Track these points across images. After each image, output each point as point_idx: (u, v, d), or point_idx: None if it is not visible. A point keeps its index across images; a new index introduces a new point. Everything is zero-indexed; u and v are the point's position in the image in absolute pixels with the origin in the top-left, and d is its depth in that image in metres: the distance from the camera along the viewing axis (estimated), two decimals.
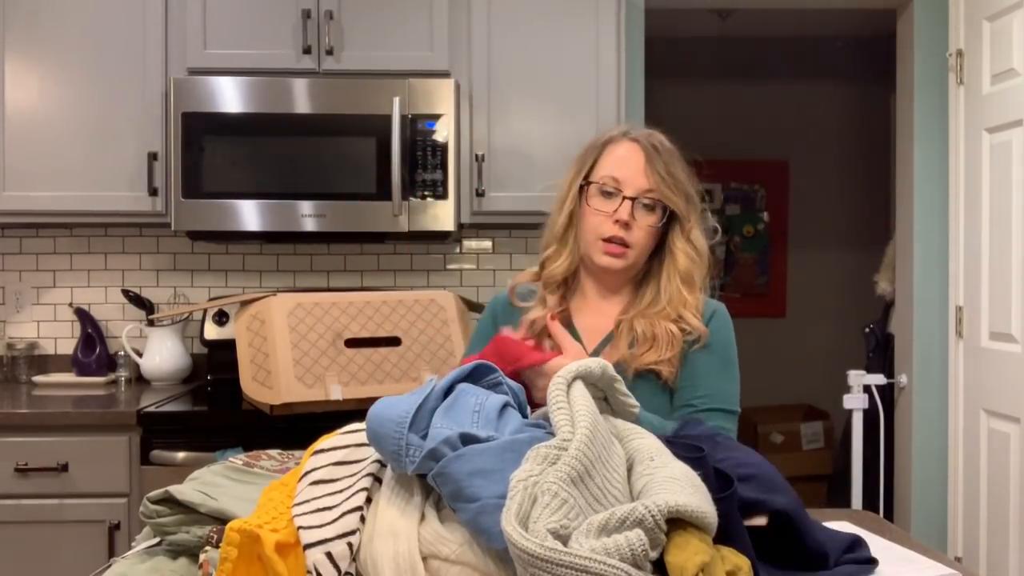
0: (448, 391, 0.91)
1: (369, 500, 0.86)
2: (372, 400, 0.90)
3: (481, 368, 0.96)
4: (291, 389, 2.14)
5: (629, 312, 1.49)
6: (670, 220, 1.48)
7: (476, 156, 2.64)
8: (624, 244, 1.46)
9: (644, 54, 3.01)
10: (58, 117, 2.61)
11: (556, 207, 1.55)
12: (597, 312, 1.53)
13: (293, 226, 2.54)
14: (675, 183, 1.45)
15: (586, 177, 1.51)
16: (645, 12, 3.01)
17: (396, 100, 2.50)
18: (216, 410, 2.46)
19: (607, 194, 1.47)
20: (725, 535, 0.78)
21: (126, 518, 2.29)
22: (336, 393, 2.17)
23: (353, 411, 2.07)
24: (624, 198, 1.45)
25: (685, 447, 0.85)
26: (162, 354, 2.80)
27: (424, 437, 0.84)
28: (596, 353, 1.49)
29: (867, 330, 3.78)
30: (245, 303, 2.29)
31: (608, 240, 1.46)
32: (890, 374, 3.27)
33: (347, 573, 0.80)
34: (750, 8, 3.81)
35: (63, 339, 2.97)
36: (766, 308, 4.90)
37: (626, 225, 1.45)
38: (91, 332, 2.87)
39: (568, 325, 1.51)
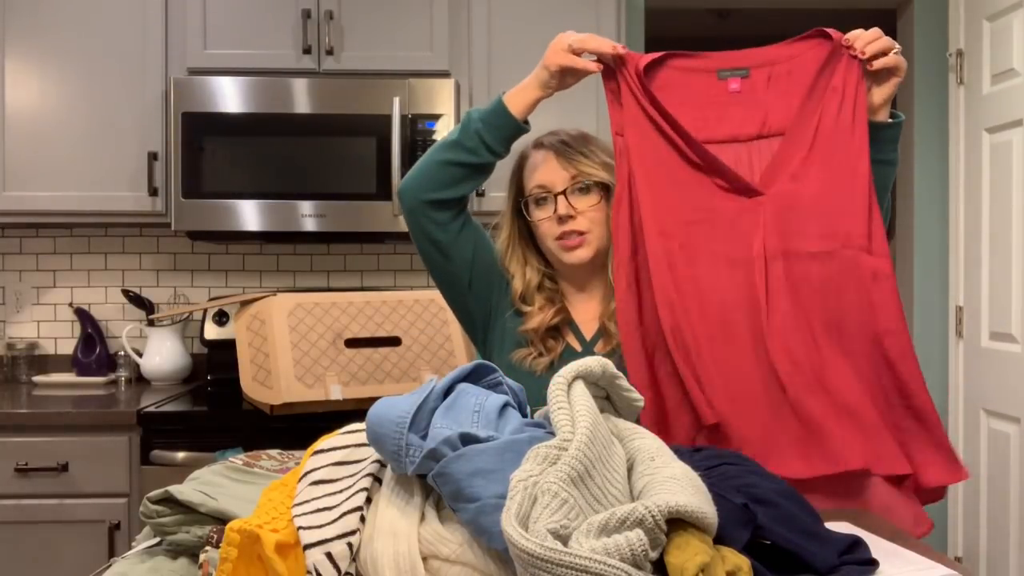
0: (448, 391, 0.91)
1: (369, 500, 0.86)
2: (372, 400, 0.90)
3: (481, 368, 0.96)
4: (291, 389, 2.14)
5: (608, 308, 1.51)
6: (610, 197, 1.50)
7: None
8: (579, 233, 1.48)
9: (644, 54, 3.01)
10: (58, 117, 2.61)
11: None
12: (583, 308, 1.56)
13: (293, 226, 2.54)
14: (594, 157, 1.50)
15: (519, 196, 1.57)
16: (645, 12, 3.01)
17: (396, 100, 2.50)
18: (216, 410, 2.46)
19: (541, 201, 1.52)
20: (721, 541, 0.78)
21: (126, 518, 2.29)
22: (336, 393, 2.17)
23: (353, 411, 2.08)
24: (555, 195, 1.49)
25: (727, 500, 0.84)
26: (162, 354, 2.80)
27: (424, 437, 0.84)
28: (592, 343, 1.52)
29: None
30: (245, 303, 2.29)
31: (561, 238, 1.49)
32: None
33: (347, 573, 0.80)
34: (750, 8, 3.81)
35: (63, 339, 2.97)
36: None
37: (570, 218, 1.48)
38: (91, 332, 2.87)
39: (568, 322, 1.53)
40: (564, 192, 1.49)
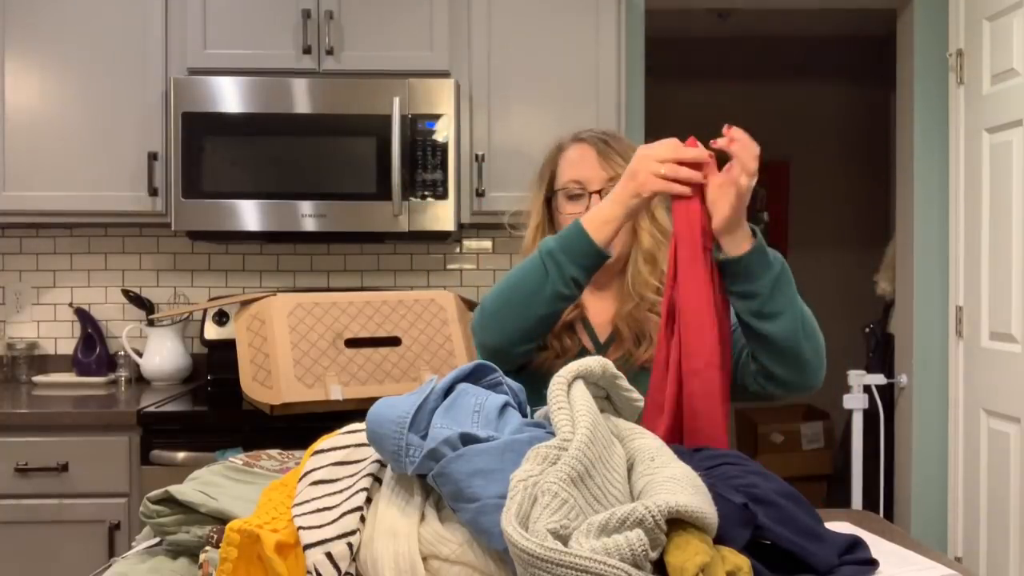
0: (448, 391, 0.91)
1: (369, 500, 0.86)
2: (372, 400, 0.90)
3: (481, 368, 0.96)
4: (291, 389, 2.14)
5: (622, 309, 1.51)
6: None
7: (476, 156, 2.64)
8: None
9: (644, 54, 3.01)
10: (58, 117, 2.61)
11: (527, 222, 1.59)
12: (599, 309, 1.56)
13: (293, 226, 2.54)
14: None
15: (550, 188, 1.56)
16: (645, 12, 3.01)
17: (396, 100, 2.50)
18: (216, 410, 2.46)
19: (574, 197, 1.51)
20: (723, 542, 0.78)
21: (126, 518, 2.29)
22: (336, 393, 2.16)
23: (353, 411, 2.07)
24: (590, 194, 1.49)
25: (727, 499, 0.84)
26: (162, 354, 2.80)
27: (424, 437, 0.84)
28: (606, 346, 1.52)
29: (867, 330, 3.78)
30: (245, 303, 2.29)
31: None
32: (890, 374, 3.27)
33: (347, 573, 0.80)
34: (750, 8, 3.81)
35: (63, 339, 2.97)
36: None
37: None
38: (91, 332, 2.87)
39: (583, 319, 1.54)
40: (600, 192, 1.48)
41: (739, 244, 1.21)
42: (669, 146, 1.23)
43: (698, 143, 1.25)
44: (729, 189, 1.18)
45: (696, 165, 1.22)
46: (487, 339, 1.39)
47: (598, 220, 1.29)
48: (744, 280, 1.23)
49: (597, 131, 1.55)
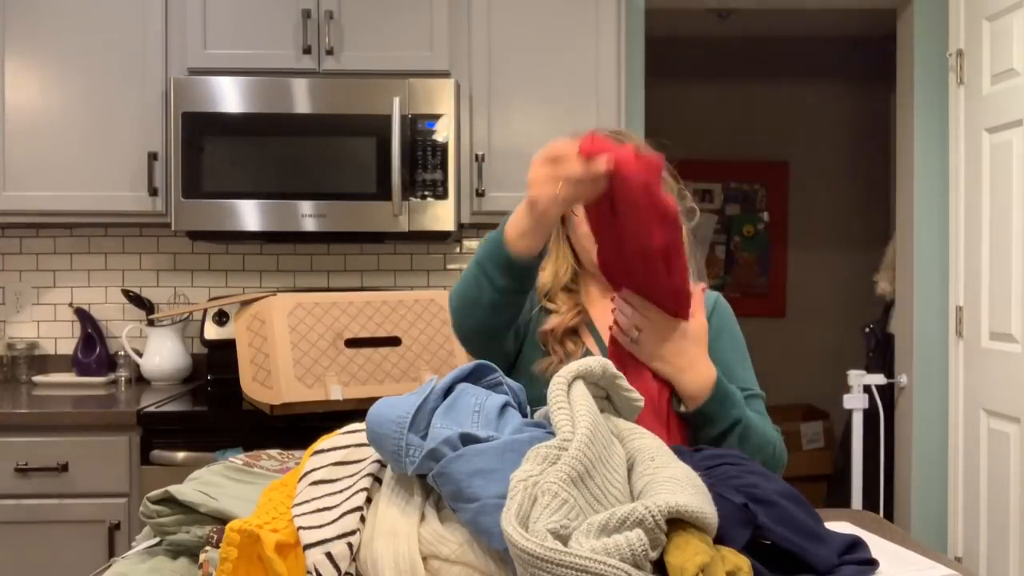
0: (448, 391, 0.91)
1: (369, 500, 0.86)
2: (372, 400, 0.90)
3: (481, 368, 0.96)
4: (291, 389, 2.14)
5: None
6: None
7: (476, 156, 2.64)
8: None
9: (644, 54, 3.01)
10: (58, 117, 2.61)
11: None
12: (607, 309, 1.54)
13: (293, 226, 2.54)
14: None
15: None
16: (645, 12, 3.01)
17: (396, 100, 2.50)
18: (216, 410, 2.46)
19: None
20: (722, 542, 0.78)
21: (126, 518, 2.29)
22: (336, 393, 2.17)
23: (353, 411, 2.08)
24: None
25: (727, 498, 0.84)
26: (162, 354, 2.80)
27: (424, 437, 0.84)
28: None
29: (867, 330, 3.78)
30: (245, 303, 2.29)
31: None
32: (890, 374, 3.27)
33: (347, 573, 0.80)
34: (750, 8, 3.81)
35: (63, 339, 2.97)
36: (766, 308, 4.89)
37: None
38: (91, 332, 2.87)
39: (587, 324, 1.52)
40: None
41: (693, 395, 1.32)
42: (564, 165, 1.14)
43: (597, 135, 1.16)
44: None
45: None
46: (460, 331, 1.40)
47: (516, 231, 1.24)
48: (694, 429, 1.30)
49: (610, 131, 1.51)
